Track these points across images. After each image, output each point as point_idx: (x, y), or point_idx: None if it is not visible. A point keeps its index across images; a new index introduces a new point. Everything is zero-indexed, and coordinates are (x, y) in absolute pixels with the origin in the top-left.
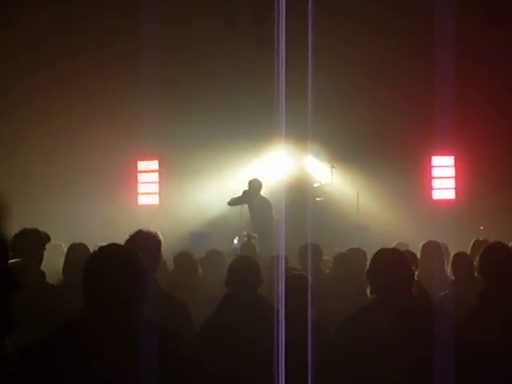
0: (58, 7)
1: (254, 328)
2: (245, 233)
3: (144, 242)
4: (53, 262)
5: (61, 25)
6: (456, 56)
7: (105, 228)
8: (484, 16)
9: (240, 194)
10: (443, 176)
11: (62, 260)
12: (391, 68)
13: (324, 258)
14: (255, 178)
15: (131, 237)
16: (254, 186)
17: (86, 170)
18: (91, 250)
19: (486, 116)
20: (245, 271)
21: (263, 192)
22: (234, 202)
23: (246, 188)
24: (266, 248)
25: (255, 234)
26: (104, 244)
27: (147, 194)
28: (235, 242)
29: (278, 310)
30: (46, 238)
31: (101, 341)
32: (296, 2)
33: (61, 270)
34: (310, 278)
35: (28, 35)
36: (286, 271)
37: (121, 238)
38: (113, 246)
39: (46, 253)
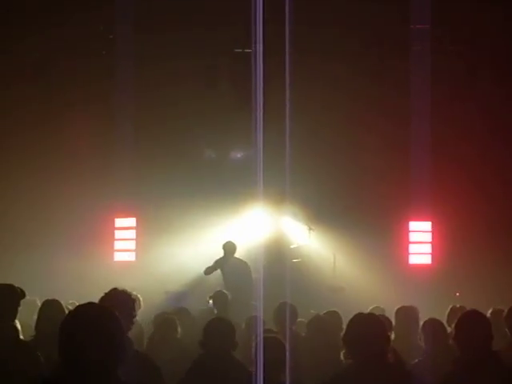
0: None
1: None
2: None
3: (119, 301)
4: (26, 317)
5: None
6: (433, 120)
7: (79, 284)
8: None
9: (217, 254)
10: (420, 241)
11: (34, 315)
12: (369, 131)
13: (299, 319)
14: (229, 240)
15: (106, 295)
16: (229, 249)
17: (62, 226)
18: (64, 307)
19: (462, 183)
20: (220, 334)
21: (240, 253)
22: (209, 271)
23: (222, 249)
24: (241, 310)
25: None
26: (77, 301)
27: (124, 250)
28: (211, 302)
29: (253, 374)
30: (20, 294)
31: None
32: (274, 63)
33: (33, 325)
34: (287, 340)
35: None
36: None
37: (95, 295)
38: (89, 306)
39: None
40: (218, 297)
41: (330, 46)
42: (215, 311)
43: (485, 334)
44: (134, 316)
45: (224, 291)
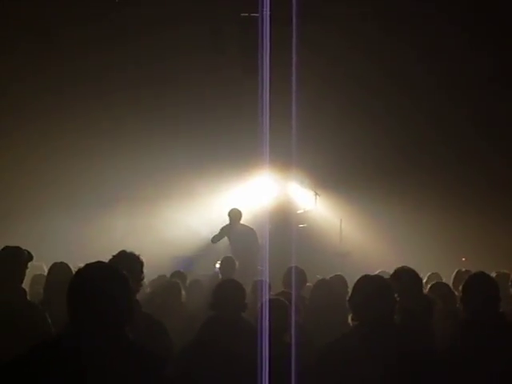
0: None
1: (238, 347)
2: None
3: (127, 263)
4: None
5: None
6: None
7: (85, 249)
8: None
9: (224, 220)
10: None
11: (42, 280)
12: (375, 95)
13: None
14: (234, 207)
15: (114, 257)
16: (234, 216)
17: (68, 190)
18: (72, 270)
19: (467, 149)
20: (230, 295)
21: (247, 218)
22: (216, 239)
23: (228, 216)
24: (248, 274)
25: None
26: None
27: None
28: (217, 266)
29: (261, 334)
30: (28, 257)
31: (86, 358)
32: (281, 34)
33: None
34: (293, 302)
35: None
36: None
37: (102, 259)
38: (99, 264)
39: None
40: (224, 262)
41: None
42: (220, 276)
43: (492, 296)
44: (142, 279)
45: (231, 257)
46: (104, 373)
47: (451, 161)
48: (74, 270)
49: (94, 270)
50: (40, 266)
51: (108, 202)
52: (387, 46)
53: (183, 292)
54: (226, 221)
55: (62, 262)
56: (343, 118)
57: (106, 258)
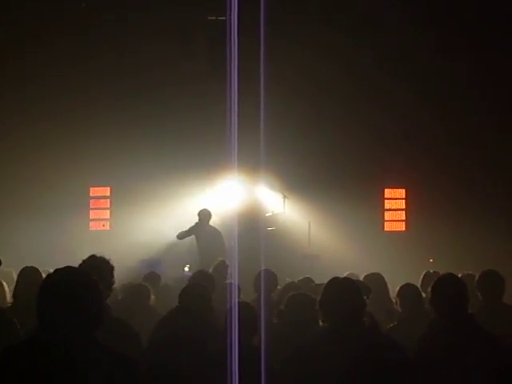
0: None
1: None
2: (187, 268)
3: (97, 267)
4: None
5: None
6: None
7: (54, 253)
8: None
9: (191, 223)
10: (394, 208)
11: (11, 286)
12: (344, 100)
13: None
14: (204, 208)
15: (84, 261)
16: (204, 216)
17: (36, 196)
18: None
19: (435, 150)
20: (197, 298)
21: (215, 221)
22: (182, 236)
23: (198, 216)
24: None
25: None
26: (51, 269)
27: (98, 219)
28: (186, 269)
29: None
30: None
31: (55, 362)
32: (249, 32)
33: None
34: (262, 305)
35: None
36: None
37: (71, 263)
38: (69, 269)
39: None
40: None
41: (307, 11)
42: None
43: (461, 297)
44: (113, 283)
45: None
46: (74, 376)
47: (421, 164)
48: (43, 274)
49: (63, 274)
50: (9, 272)
51: (72, 206)
52: (355, 52)
53: (152, 296)
54: (194, 222)
55: (31, 267)
56: (311, 121)
57: (74, 263)
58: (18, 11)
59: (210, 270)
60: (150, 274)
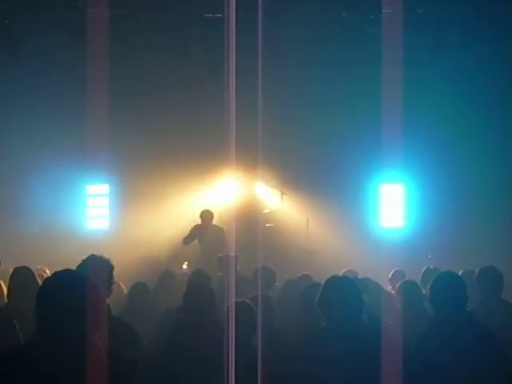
0: None
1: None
2: (185, 266)
3: (97, 267)
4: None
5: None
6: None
7: (52, 252)
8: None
9: (190, 221)
10: (392, 203)
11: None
12: (342, 96)
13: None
14: (206, 209)
15: (83, 261)
16: (206, 217)
17: (34, 194)
18: (36, 274)
19: (433, 146)
20: (200, 299)
21: (214, 218)
22: (188, 241)
23: (197, 214)
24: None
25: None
26: (46, 267)
27: (96, 217)
28: (184, 266)
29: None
30: None
31: (55, 365)
32: (246, 32)
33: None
34: (259, 302)
35: None
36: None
37: (69, 262)
38: (67, 272)
39: None
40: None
41: (304, 10)
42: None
43: (460, 295)
44: (113, 283)
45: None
46: (74, 379)
47: (418, 160)
48: (37, 273)
49: (62, 277)
50: (7, 270)
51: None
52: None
53: (152, 294)
54: (193, 221)
55: (24, 267)
56: (310, 116)
57: (72, 262)
58: None
59: (185, 268)
60: (166, 273)
